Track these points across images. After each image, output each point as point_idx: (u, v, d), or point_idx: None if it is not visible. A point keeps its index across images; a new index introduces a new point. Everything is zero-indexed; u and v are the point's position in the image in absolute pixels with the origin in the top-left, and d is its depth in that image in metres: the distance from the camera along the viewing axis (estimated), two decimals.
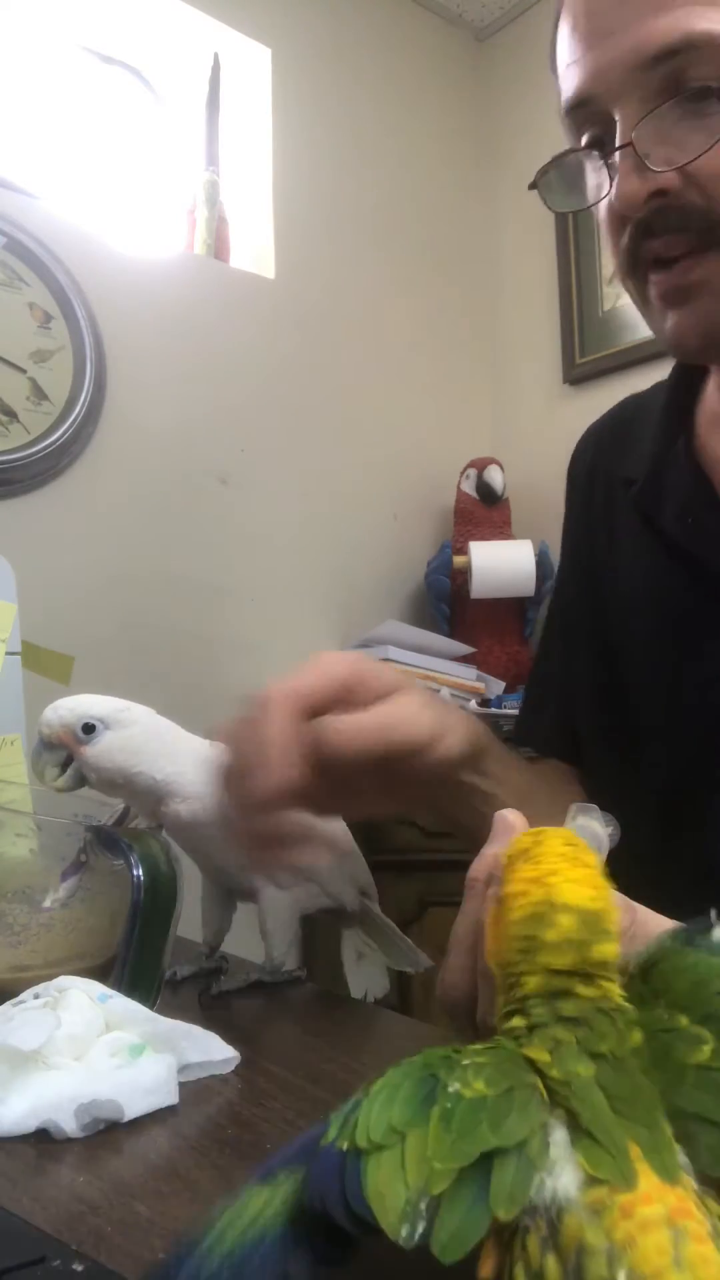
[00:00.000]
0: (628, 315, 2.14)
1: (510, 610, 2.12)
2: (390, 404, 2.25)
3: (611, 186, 0.58)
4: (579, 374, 2.25)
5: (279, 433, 2.02)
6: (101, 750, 0.65)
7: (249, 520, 1.96)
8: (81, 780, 0.67)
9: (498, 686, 2.01)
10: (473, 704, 1.91)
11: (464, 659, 2.02)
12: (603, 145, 0.59)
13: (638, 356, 2.04)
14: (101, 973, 0.61)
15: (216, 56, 2.05)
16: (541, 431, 2.34)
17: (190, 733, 0.71)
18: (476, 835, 0.69)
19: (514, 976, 0.33)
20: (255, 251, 2.09)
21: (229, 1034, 0.58)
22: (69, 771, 0.67)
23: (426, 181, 2.39)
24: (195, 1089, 0.51)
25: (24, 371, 1.66)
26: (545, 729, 0.83)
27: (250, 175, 2.10)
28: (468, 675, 1.99)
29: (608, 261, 2.20)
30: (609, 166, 0.58)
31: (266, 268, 2.07)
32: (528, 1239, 0.25)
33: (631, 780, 0.71)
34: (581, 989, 0.31)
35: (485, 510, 2.16)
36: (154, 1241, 0.36)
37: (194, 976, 0.69)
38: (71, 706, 0.66)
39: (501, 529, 2.16)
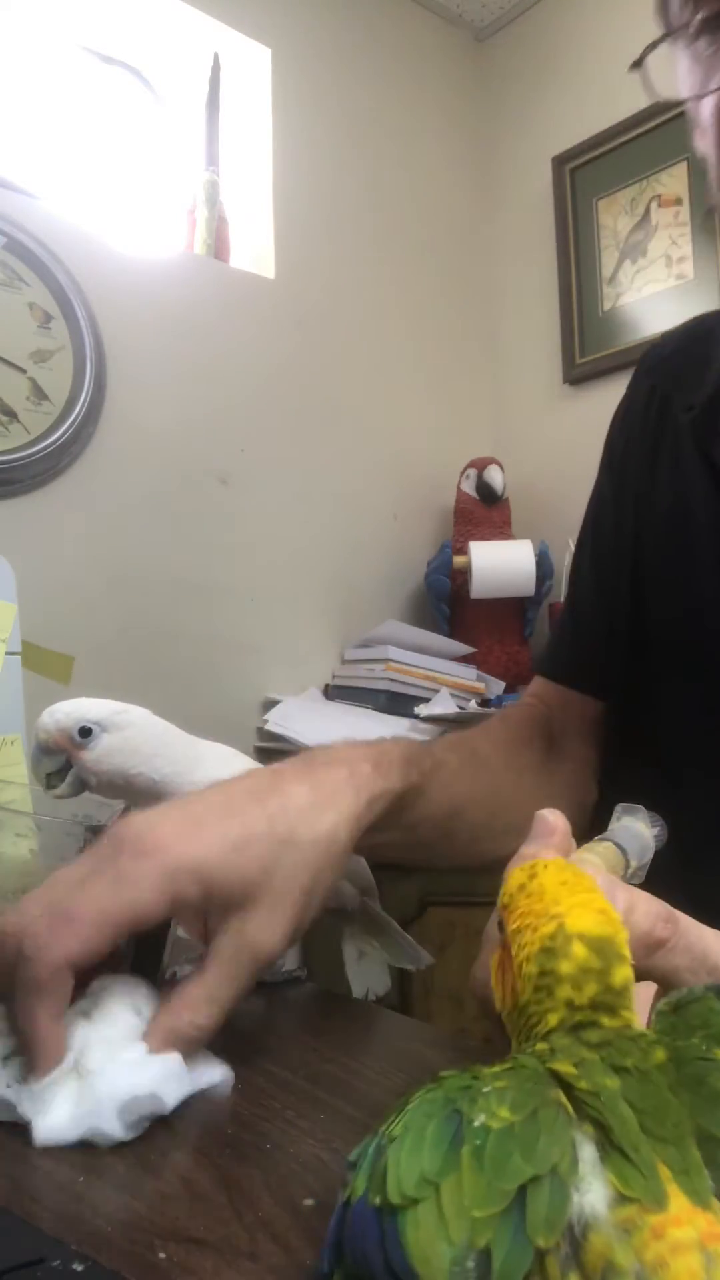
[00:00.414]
0: (628, 315, 2.14)
1: (510, 610, 2.12)
2: (390, 404, 2.25)
3: None
4: (579, 374, 2.25)
5: (279, 433, 2.02)
6: (100, 753, 0.65)
7: (249, 520, 1.96)
8: (82, 786, 0.67)
9: (498, 686, 2.01)
10: (473, 704, 1.91)
11: (464, 659, 2.02)
12: None
13: (638, 356, 2.04)
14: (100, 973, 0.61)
15: (216, 56, 2.05)
16: (541, 431, 2.34)
17: (189, 733, 0.71)
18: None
19: (535, 1016, 0.32)
20: (255, 251, 2.08)
21: (229, 1034, 0.58)
22: (69, 778, 0.66)
23: (426, 181, 2.39)
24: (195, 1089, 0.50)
25: (24, 371, 1.66)
26: (569, 660, 0.81)
27: (250, 175, 2.10)
28: (468, 675, 1.99)
29: (608, 261, 2.21)
30: None
31: (266, 268, 2.07)
32: (546, 1259, 0.24)
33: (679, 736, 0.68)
34: (606, 1021, 0.31)
35: (485, 510, 2.16)
36: (154, 1241, 0.36)
37: None
38: (68, 710, 0.66)
39: (501, 529, 2.15)
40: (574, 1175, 0.26)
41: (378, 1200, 0.26)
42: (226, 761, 0.70)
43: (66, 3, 1.88)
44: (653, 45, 0.58)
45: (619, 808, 0.44)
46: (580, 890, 0.34)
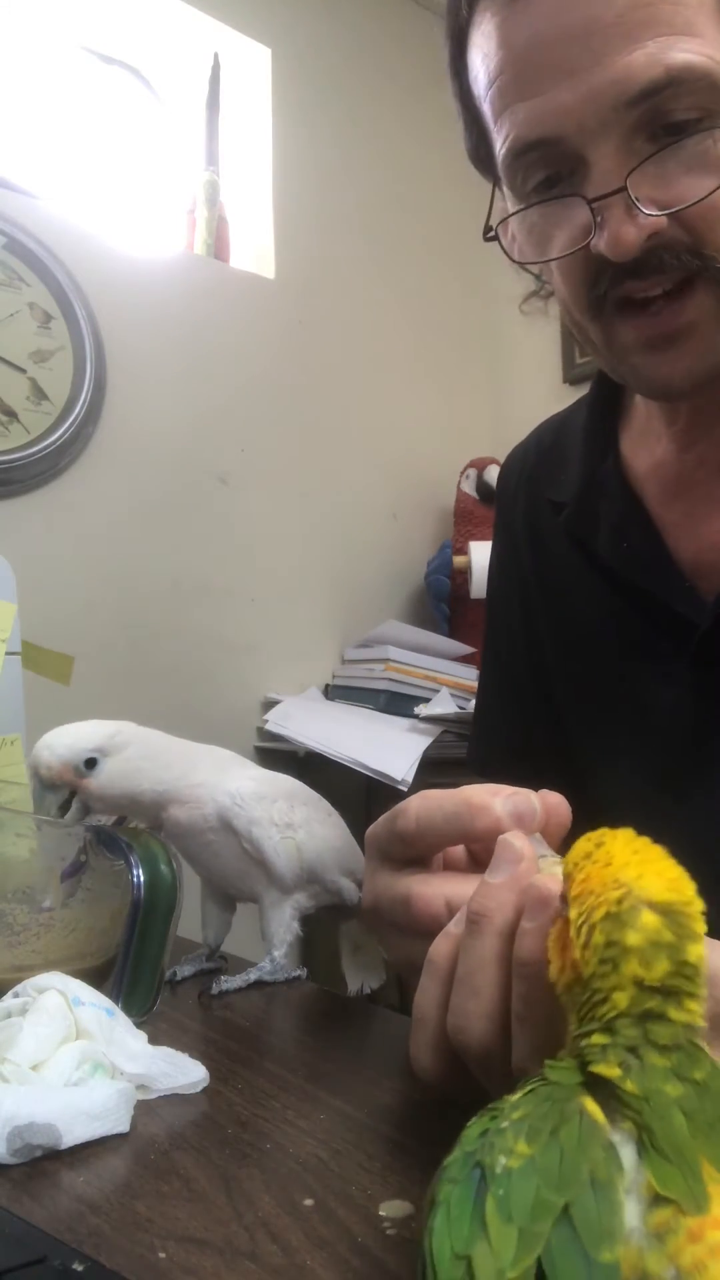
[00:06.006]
0: None
1: None
2: (390, 404, 2.25)
3: (598, 232, 0.53)
4: (579, 374, 2.25)
5: (279, 433, 2.02)
6: (105, 780, 0.65)
7: (249, 520, 1.96)
8: (86, 812, 0.67)
9: None
10: (473, 704, 1.91)
11: (464, 659, 2.02)
12: (556, 184, 0.55)
13: None
14: (101, 973, 0.61)
15: (216, 56, 2.05)
16: None
17: (190, 733, 0.71)
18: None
19: (600, 993, 0.29)
20: (255, 251, 2.09)
21: (229, 1034, 0.58)
22: (74, 807, 0.66)
23: (426, 181, 2.39)
24: (195, 1088, 0.50)
25: (24, 371, 1.66)
26: (492, 754, 0.82)
27: (250, 175, 2.10)
28: (467, 675, 1.99)
29: None
30: (591, 210, 0.53)
31: (266, 268, 2.07)
32: None
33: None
34: (674, 1012, 0.28)
35: (485, 510, 2.16)
36: (154, 1241, 0.36)
37: (194, 976, 0.69)
38: (67, 744, 0.65)
39: None
40: (621, 1176, 0.25)
41: None
42: (222, 764, 0.70)
43: (66, 3, 1.88)
44: (502, 221, 0.59)
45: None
46: (652, 859, 0.31)
